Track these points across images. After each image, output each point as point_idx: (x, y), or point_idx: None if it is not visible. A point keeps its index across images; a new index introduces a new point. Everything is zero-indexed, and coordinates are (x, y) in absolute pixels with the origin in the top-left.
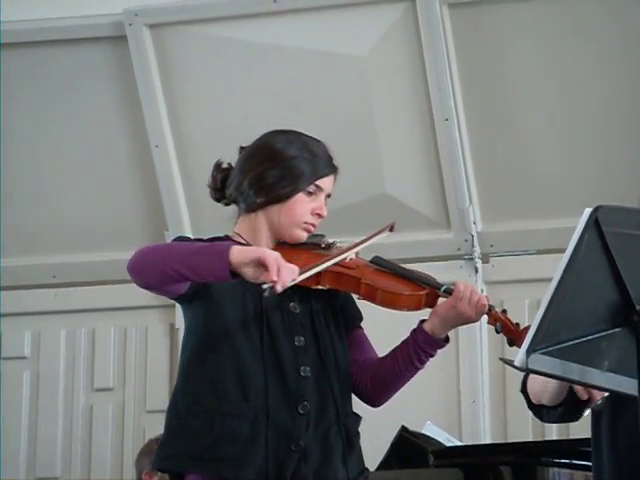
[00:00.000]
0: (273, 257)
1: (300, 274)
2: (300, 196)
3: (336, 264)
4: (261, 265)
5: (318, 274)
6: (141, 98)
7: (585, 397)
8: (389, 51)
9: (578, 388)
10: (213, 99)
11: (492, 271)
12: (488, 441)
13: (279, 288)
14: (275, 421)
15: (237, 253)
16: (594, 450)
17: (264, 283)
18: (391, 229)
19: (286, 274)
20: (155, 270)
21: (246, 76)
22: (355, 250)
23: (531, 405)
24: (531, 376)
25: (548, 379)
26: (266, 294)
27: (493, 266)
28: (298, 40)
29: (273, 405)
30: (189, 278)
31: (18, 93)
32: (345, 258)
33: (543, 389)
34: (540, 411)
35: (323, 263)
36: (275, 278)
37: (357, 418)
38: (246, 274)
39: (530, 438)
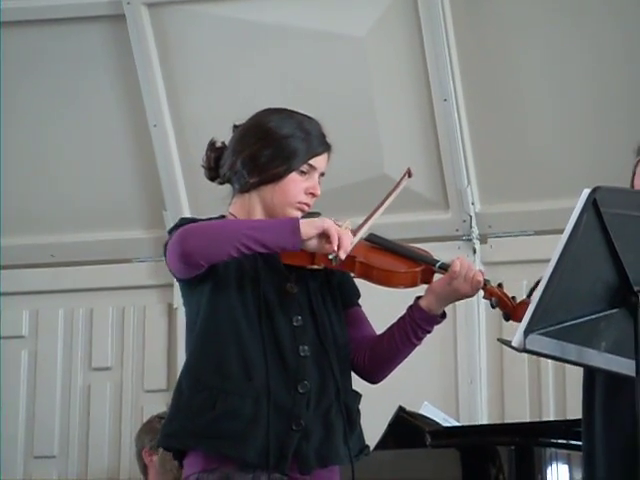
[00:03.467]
0: (334, 227)
1: (355, 235)
2: (293, 175)
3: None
4: (324, 236)
5: (313, 254)
6: (139, 77)
7: None
8: (388, 31)
9: None
10: (211, 78)
11: (490, 252)
12: (485, 422)
13: (343, 255)
14: (276, 401)
15: (306, 227)
16: (585, 428)
17: (326, 253)
18: (409, 175)
19: (346, 241)
20: (220, 246)
21: (245, 56)
22: (386, 205)
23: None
24: None
25: None
26: (334, 263)
27: (491, 247)
28: (297, 20)
29: (274, 385)
30: (254, 252)
31: (15, 72)
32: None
33: None
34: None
35: (367, 221)
36: (336, 248)
37: (357, 396)
38: (310, 246)
39: (527, 419)
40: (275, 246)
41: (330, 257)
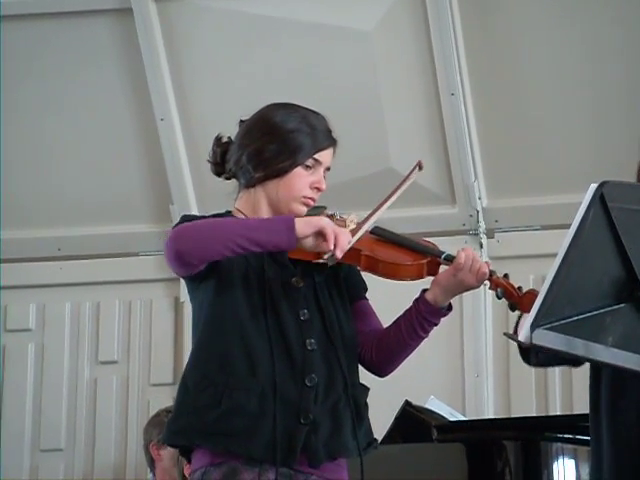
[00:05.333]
0: (330, 226)
1: (353, 235)
2: (298, 170)
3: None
4: (320, 235)
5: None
6: (146, 71)
7: None
8: (395, 25)
9: None
10: (219, 72)
11: (497, 246)
12: (491, 416)
13: (339, 254)
14: (283, 395)
15: (302, 226)
16: (592, 425)
17: (322, 252)
18: (420, 167)
19: (343, 240)
20: (214, 245)
21: (252, 50)
22: (394, 198)
23: (521, 350)
24: (522, 320)
25: None
26: (330, 263)
27: (498, 241)
28: (304, 14)
29: (280, 379)
30: (248, 251)
31: (23, 66)
32: (383, 210)
33: None
34: (528, 355)
35: (368, 220)
36: (332, 247)
37: (365, 389)
38: (305, 244)
39: (534, 413)
40: (270, 245)
41: (326, 256)
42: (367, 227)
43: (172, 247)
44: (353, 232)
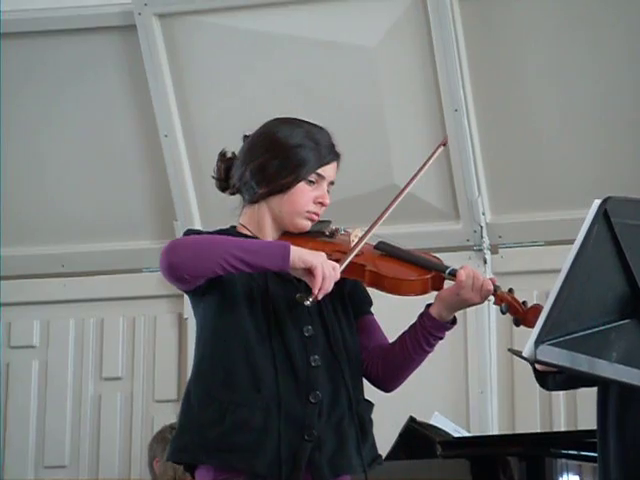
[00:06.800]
0: (321, 268)
1: (341, 271)
2: (302, 185)
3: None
4: (310, 273)
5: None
6: (150, 88)
7: None
8: (399, 41)
9: None
10: (222, 89)
11: (501, 262)
12: (496, 432)
13: (320, 297)
14: (287, 411)
15: (295, 256)
16: (600, 442)
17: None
18: (444, 144)
19: (329, 284)
20: (205, 261)
21: (255, 66)
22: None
23: (537, 374)
24: None
25: None
26: (308, 304)
27: (502, 257)
28: (307, 30)
29: (284, 396)
30: (240, 271)
31: (26, 84)
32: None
33: None
34: (545, 379)
35: (354, 249)
36: (317, 292)
37: (369, 405)
38: (294, 273)
39: (538, 429)
40: (261, 269)
41: (307, 303)
42: (352, 256)
43: (165, 259)
44: (361, 239)
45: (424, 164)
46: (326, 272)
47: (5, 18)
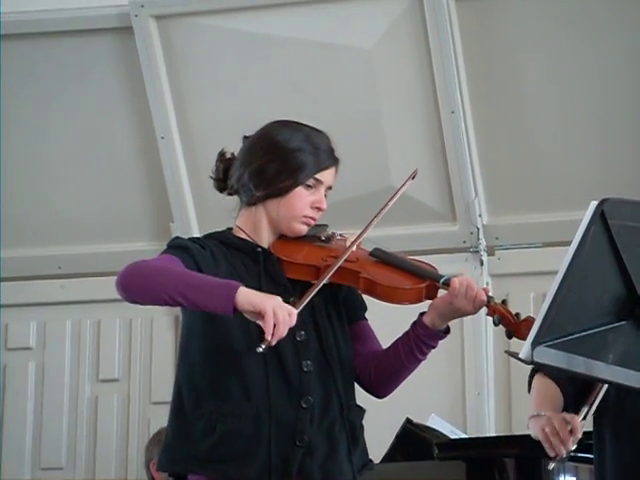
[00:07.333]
0: (271, 313)
1: (298, 309)
2: (299, 190)
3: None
4: (261, 316)
5: (317, 269)
6: (147, 89)
7: None
8: (395, 43)
9: None
10: (219, 90)
11: (498, 264)
12: (493, 434)
13: (273, 343)
14: (278, 417)
15: (242, 299)
16: (596, 444)
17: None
18: (413, 177)
19: (282, 329)
20: (150, 292)
21: (252, 68)
22: (385, 211)
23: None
24: (534, 383)
25: (547, 394)
26: (260, 351)
27: (499, 259)
28: (304, 32)
29: (275, 401)
30: (185, 307)
31: (23, 85)
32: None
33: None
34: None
35: (317, 285)
36: (270, 338)
37: (361, 411)
38: (246, 316)
39: None
40: (205, 308)
41: (259, 350)
42: (313, 292)
43: (118, 282)
44: (347, 249)
45: (395, 192)
46: (279, 317)
47: (2, 20)
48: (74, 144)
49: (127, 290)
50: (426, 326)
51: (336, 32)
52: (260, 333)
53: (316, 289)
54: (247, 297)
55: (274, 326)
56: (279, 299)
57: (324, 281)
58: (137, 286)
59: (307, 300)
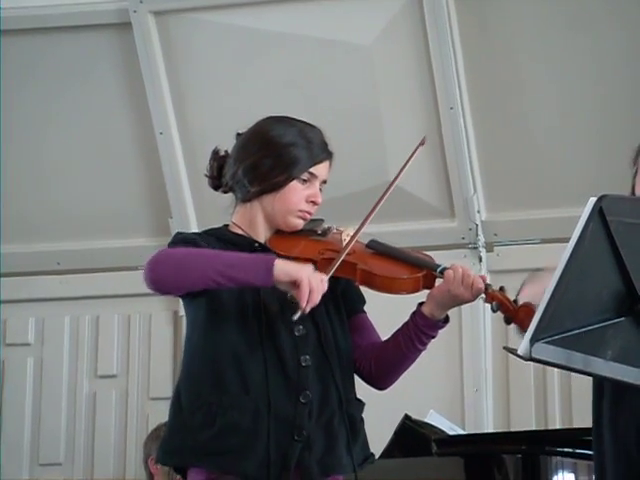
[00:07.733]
0: (307, 281)
1: (328, 275)
2: (294, 184)
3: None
4: (296, 285)
5: (314, 262)
6: (146, 85)
7: None
8: (394, 39)
9: None
10: (217, 86)
11: (496, 260)
12: (491, 430)
13: (307, 310)
14: (277, 412)
15: (279, 270)
16: (595, 440)
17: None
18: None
19: (316, 296)
20: (186, 278)
21: (251, 64)
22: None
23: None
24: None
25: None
26: (295, 318)
27: (497, 255)
28: (303, 28)
29: (274, 396)
30: (223, 287)
31: (23, 80)
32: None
33: None
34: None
35: (343, 251)
36: (304, 305)
37: (360, 404)
38: (280, 287)
39: (533, 427)
40: (245, 284)
41: (295, 317)
42: (339, 262)
43: (148, 275)
44: (351, 240)
45: (405, 163)
46: (313, 285)
47: (1, 15)
48: (73, 140)
49: (160, 281)
50: (425, 316)
51: (335, 28)
52: (291, 303)
53: (343, 254)
54: (284, 268)
55: (309, 294)
56: (311, 267)
57: (347, 250)
58: (172, 274)
59: (335, 267)
